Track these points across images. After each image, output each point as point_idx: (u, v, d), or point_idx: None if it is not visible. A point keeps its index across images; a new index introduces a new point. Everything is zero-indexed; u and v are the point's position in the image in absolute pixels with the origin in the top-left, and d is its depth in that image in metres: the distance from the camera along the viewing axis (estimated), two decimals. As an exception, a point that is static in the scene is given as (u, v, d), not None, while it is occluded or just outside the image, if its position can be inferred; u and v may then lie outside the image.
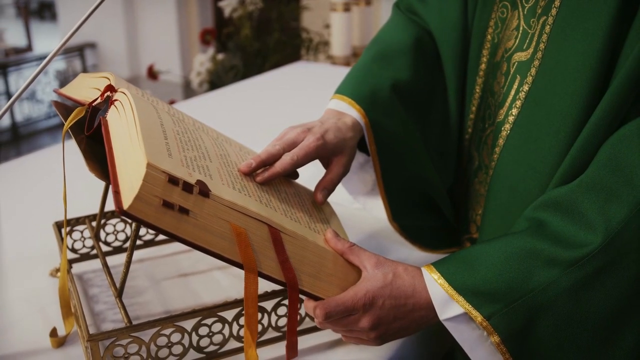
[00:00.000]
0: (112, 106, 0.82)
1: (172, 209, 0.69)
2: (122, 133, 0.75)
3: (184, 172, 0.72)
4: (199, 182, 0.72)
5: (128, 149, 0.72)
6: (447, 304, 0.80)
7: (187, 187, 0.70)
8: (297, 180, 1.01)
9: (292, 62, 2.62)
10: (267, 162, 0.89)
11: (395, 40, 1.13)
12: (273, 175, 0.88)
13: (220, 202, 0.73)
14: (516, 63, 0.95)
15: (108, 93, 0.86)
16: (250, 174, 0.87)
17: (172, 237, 0.70)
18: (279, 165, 0.89)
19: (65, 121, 0.86)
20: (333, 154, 0.96)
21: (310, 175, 1.36)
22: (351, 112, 1.02)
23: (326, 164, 0.98)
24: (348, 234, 1.19)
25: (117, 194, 0.68)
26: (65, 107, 0.92)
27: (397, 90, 1.06)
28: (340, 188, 1.21)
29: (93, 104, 0.86)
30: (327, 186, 0.95)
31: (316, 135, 0.93)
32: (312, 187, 1.06)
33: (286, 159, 0.90)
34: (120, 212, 0.66)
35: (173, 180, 0.69)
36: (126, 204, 0.66)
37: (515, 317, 0.77)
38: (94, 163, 0.79)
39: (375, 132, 1.02)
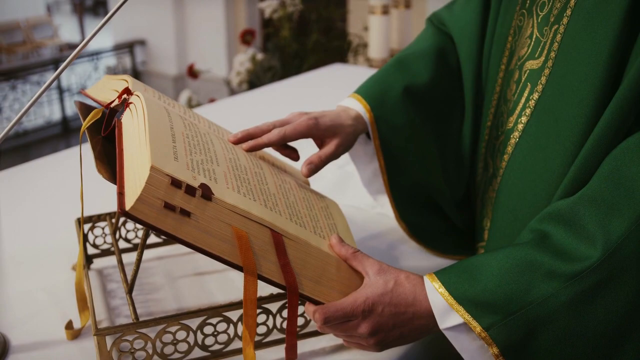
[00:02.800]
0: (127, 109, 0.85)
1: (174, 211, 0.71)
2: (132, 136, 0.78)
3: (188, 175, 0.74)
4: (202, 185, 0.74)
5: (136, 151, 0.75)
6: (447, 314, 0.80)
7: (190, 190, 0.73)
8: (313, 186, 1.02)
9: (333, 63, 2.63)
10: (254, 135, 0.96)
11: (418, 48, 1.16)
12: (258, 144, 0.95)
13: (222, 206, 0.75)
14: (528, 71, 0.95)
15: (124, 96, 0.88)
16: (236, 144, 0.94)
17: (173, 239, 0.72)
18: (265, 137, 0.96)
19: (84, 121, 0.89)
20: (325, 135, 1.00)
21: (329, 181, 1.38)
22: (357, 106, 1.07)
23: (320, 145, 1.02)
24: (365, 238, 1.20)
25: (121, 195, 0.71)
26: (87, 107, 0.96)
27: (411, 92, 1.09)
28: (361, 191, 1.23)
29: (110, 106, 0.89)
30: (314, 160, 0.99)
31: (310, 116, 0.99)
32: (331, 194, 1.08)
33: (274, 132, 0.96)
34: (122, 213, 0.69)
35: (176, 183, 0.72)
36: (128, 205, 0.69)
37: (514, 329, 0.77)
38: (104, 164, 0.82)
39: (379, 129, 1.06)
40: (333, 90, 2.23)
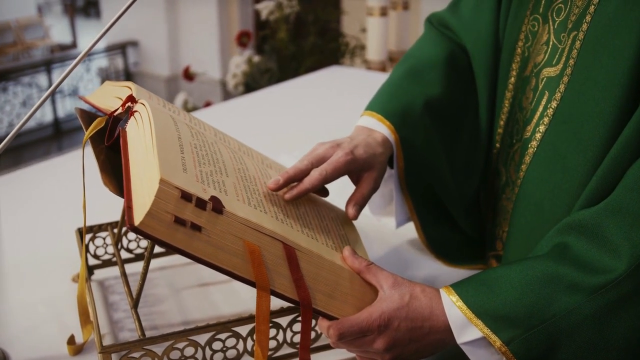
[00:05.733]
0: (132, 117, 0.82)
1: (184, 225, 0.68)
2: (138, 146, 0.75)
3: (198, 187, 0.71)
4: (212, 198, 0.71)
5: (143, 163, 0.72)
6: (466, 328, 0.78)
7: (200, 204, 0.70)
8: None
9: (330, 65, 2.61)
10: (296, 178, 0.88)
11: (426, 56, 1.11)
12: (301, 192, 0.87)
13: (234, 219, 0.72)
14: (545, 78, 0.93)
15: (129, 104, 0.85)
16: (277, 190, 0.86)
17: (183, 254, 0.69)
18: (307, 182, 0.88)
19: (87, 130, 0.86)
20: (363, 169, 0.95)
21: (333, 186, 1.35)
22: (381, 128, 1.01)
23: (356, 180, 0.97)
24: (373, 247, 1.17)
25: (129, 209, 0.68)
26: (88, 115, 0.93)
27: (429, 107, 1.04)
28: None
29: (114, 114, 0.86)
30: (359, 201, 0.94)
31: (345, 150, 0.92)
32: (337, 202, 1.05)
33: (314, 175, 0.89)
34: (131, 228, 0.66)
35: (186, 196, 0.69)
36: (137, 220, 0.66)
37: (535, 343, 0.75)
38: (109, 176, 0.79)
39: (404, 149, 1.01)
40: (332, 93, 2.21)
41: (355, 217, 0.93)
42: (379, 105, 1.04)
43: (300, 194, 0.87)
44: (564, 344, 0.75)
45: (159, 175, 0.68)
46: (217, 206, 0.71)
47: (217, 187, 0.75)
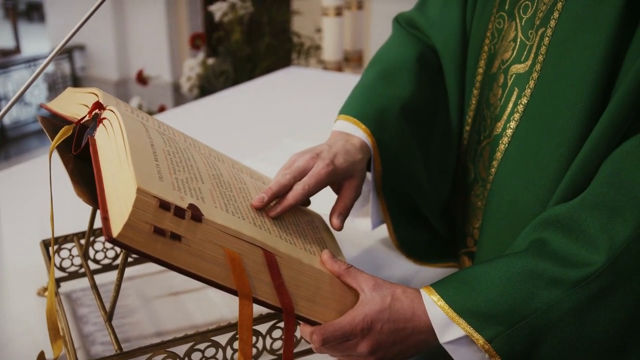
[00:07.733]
0: (101, 125, 0.79)
1: (164, 235, 0.66)
2: (111, 155, 0.73)
3: (175, 195, 0.69)
4: (191, 206, 0.70)
5: (117, 172, 0.70)
6: (448, 327, 0.78)
7: (179, 212, 0.68)
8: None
9: (283, 66, 2.60)
10: (279, 193, 0.87)
11: (397, 58, 1.11)
12: (286, 208, 0.86)
13: (213, 227, 0.71)
14: (514, 75, 0.93)
15: (96, 111, 0.83)
16: (262, 208, 0.84)
17: (164, 265, 0.67)
18: (291, 197, 0.87)
19: (52, 138, 0.83)
20: (344, 178, 0.94)
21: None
22: (358, 132, 1.00)
23: (337, 189, 0.96)
24: (345, 248, 1.16)
25: (105, 220, 0.65)
26: (51, 122, 0.90)
27: (403, 109, 1.05)
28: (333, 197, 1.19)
29: (81, 122, 0.83)
30: (342, 212, 0.93)
31: (325, 160, 0.91)
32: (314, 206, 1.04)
33: (297, 189, 0.88)
34: (109, 240, 0.63)
35: (164, 205, 0.67)
36: (115, 231, 0.64)
37: (517, 340, 0.75)
38: (81, 186, 0.76)
39: (381, 153, 1.01)
40: (290, 94, 2.20)
41: (340, 228, 0.91)
42: (354, 109, 1.04)
43: (285, 210, 0.86)
44: (546, 338, 0.75)
45: (135, 185, 0.66)
46: (195, 214, 0.69)
47: (194, 195, 0.73)
